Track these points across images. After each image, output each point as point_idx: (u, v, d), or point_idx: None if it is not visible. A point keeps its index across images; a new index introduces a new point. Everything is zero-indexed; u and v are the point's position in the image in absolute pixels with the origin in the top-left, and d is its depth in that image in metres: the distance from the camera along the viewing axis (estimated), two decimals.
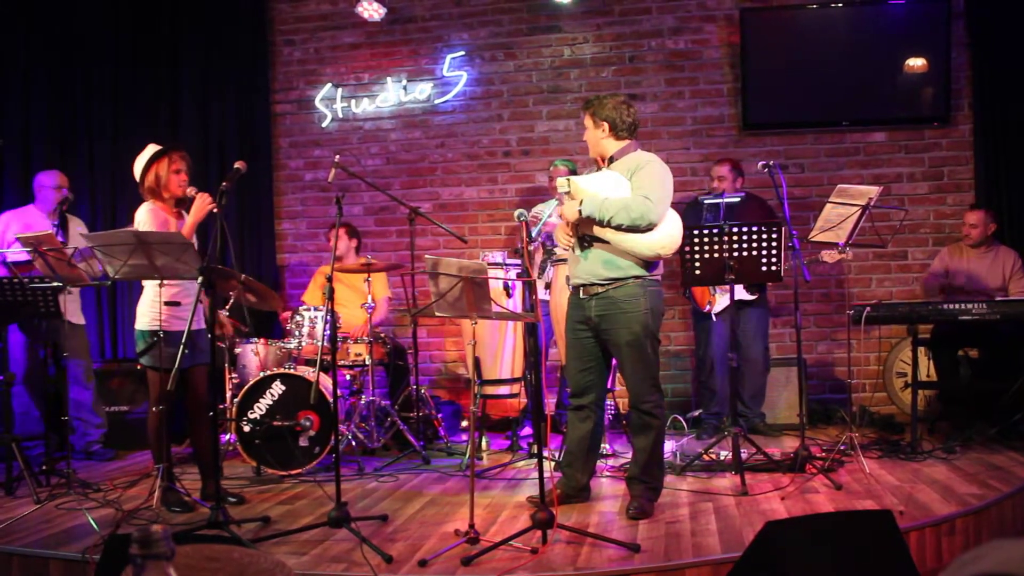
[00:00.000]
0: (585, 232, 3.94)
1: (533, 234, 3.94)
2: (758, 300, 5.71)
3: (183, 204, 4.29)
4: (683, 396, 6.54)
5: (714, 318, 5.71)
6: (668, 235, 3.90)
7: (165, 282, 4.00)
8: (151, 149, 4.29)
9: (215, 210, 4.10)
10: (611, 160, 4.05)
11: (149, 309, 4.18)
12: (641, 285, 3.90)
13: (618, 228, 3.81)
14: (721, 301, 5.68)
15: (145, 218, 4.18)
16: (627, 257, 3.89)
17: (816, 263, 4.83)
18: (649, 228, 3.82)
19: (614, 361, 4.16)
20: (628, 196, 3.84)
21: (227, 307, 5.06)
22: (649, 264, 3.93)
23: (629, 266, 3.89)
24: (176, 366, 3.69)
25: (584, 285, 3.99)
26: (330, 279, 3.75)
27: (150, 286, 4.19)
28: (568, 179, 3.91)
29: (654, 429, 3.97)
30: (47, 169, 5.79)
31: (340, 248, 5.95)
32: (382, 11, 6.53)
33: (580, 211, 3.84)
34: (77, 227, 5.61)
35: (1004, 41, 6.18)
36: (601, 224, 3.83)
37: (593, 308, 3.95)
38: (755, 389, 5.79)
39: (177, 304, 4.09)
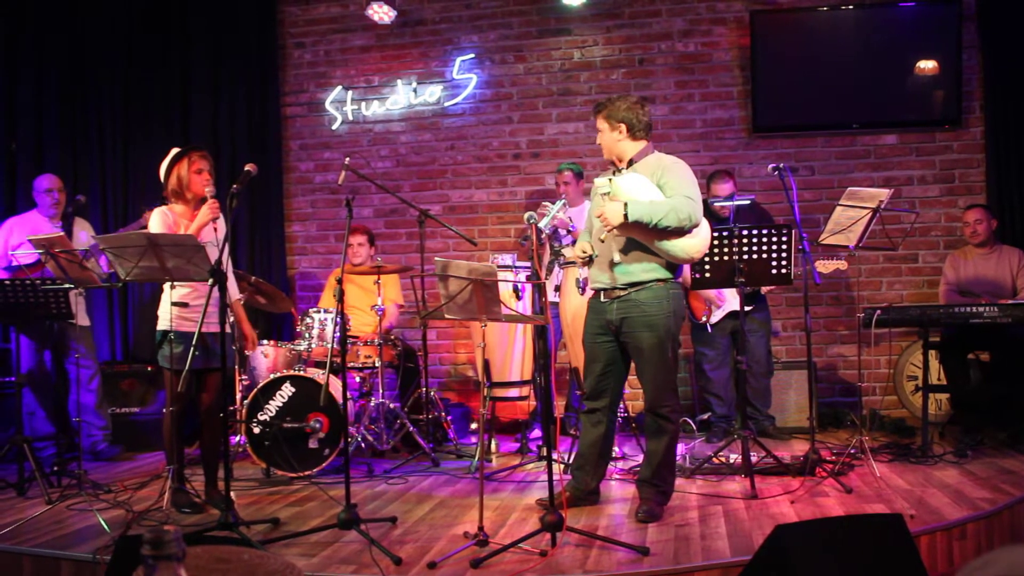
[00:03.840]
0: (629, 237, 3.88)
1: (542, 225, 3.92)
2: (757, 307, 5.70)
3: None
4: (690, 399, 6.52)
5: (709, 329, 5.71)
6: (702, 239, 3.88)
7: (178, 283, 4.02)
8: (173, 152, 4.31)
9: (216, 220, 4.12)
10: (631, 163, 4.01)
11: (161, 311, 4.20)
12: (664, 288, 3.89)
13: (665, 230, 3.75)
14: (717, 314, 5.69)
15: (153, 223, 4.20)
16: (651, 261, 3.87)
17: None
18: (691, 229, 3.79)
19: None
20: (669, 198, 3.78)
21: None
22: (673, 268, 3.91)
23: (653, 270, 3.87)
24: (187, 367, 3.70)
25: (605, 289, 3.98)
26: (340, 281, 3.75)
27: (166, 288, 4.21)
28: (611, 179, 3.83)
29: (668, 434, 3.96)
30: (46, 173, 5.81)
31: (361, 255, 5.96)
32: (392, 14, 6.54)
33: (626, 215, 3.72)
34: (82, 230, 5.63)
35: (1015, 43, 6.16)
36: (648, 227, 3.75)
37: (615, 311, 3.93)
38: (758, 392, 5.78)
39: (185, 305, 4.10)
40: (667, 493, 4.01)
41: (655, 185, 3.85)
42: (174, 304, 4.05)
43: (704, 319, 5.72)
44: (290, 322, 6.53)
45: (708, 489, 4.36)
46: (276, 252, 7.02)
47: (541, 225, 3.89)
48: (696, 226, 3.80)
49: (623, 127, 3.98)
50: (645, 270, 3.88)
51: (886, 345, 6.29)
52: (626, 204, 3.72)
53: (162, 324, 4.18)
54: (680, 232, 3.77)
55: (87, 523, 3.97)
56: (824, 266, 4.98)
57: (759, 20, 6.48)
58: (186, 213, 4.25)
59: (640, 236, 3.83)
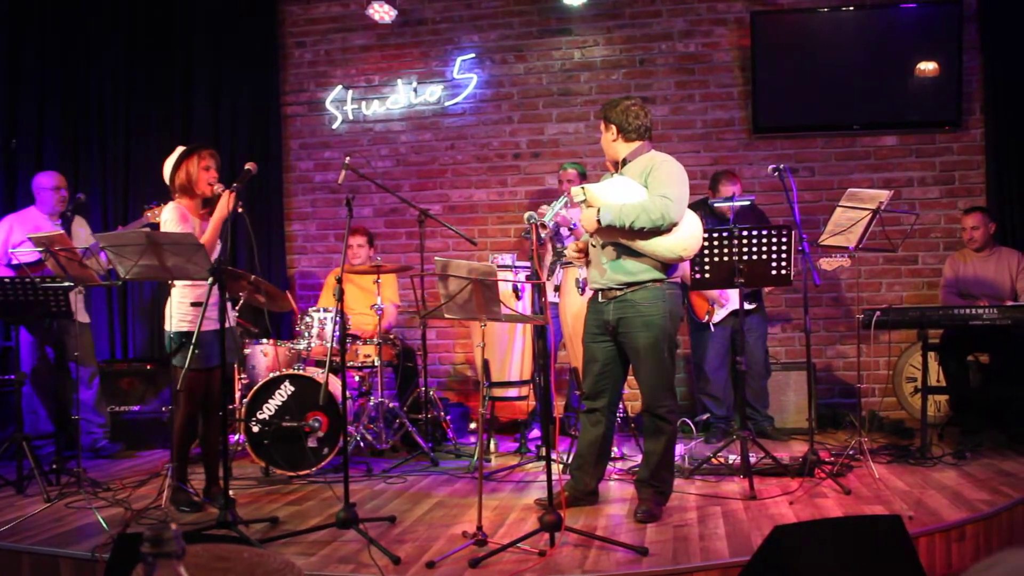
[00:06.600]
0: (606, 241, 3.92)
1: (546, 220, 3.92)
2: (756, 308, 5.71)
3: (211, 204, 4.30)
4: (690, 400, 6.52)
5: (712, 328, 5.71)
6: (689, 236, 3.88)
7: (192, 283, 4.06)
8: (179, 150, 4.32)
9: (240, 210, 4.12)
10: (624, 163, 4.04)
11: (176, 311, 4.19)
12: (660, 289, 3.89)
13: (640, 231, 3.78)
14: (720, 313, 5.69)
15: (168, 216, 4.21)
16: (643, 261, 3.87)
17: (816, 269, 4.82)
18: (671, 228, 3.80)
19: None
20: (645, 198, 3.81)
21: (236, 307, 5.06)
22: (667, 267, 3.92)
23: (645, 270, 3.88)
24: (186, 367, 3.70)
25: (603, 289, 3.99)
26: (339, 280, 3.75)
27: (177, 288, 4.21)
28: (583, 188, 3.88)
29: (666, 434, 3.96)
30: (48, 170, 5.80)
31: (360, 256, 5.96)
32: (393, 13, 6.54)
33: (599, 220, 3.80)
34: (80, 228, 5.63)
35: (1016, 45, 6.16)
36: (623, 230, 3.81)
37: (611, 311, 3.94)
38: (756, 392, 5.79)
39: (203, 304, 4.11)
40: (666, 493, 4.01)
41: (643, 184, 3.87)
42: (194, 305, 4.06)
43: (707, 318, 5.72)
44: (289, 321, 6.53)
45: (707, 490, 4.36)
46: (276, 251, 7.02)
47: (545, 220, 3.89)
48: (674, 224, 3.81)
49: (614, 128, 4.04)
50: (639, 270, 3.89)
51: (885, 346, 6.29)
52: (599, 209, 3.78)
53: (179, 326, 4.15)
54: (656, 231, 3.78)
55: (86, 521, 3.97)
56: (828, 263, 4.98)
57: (759, 21, 6.48)
58: (193, 209, 4.26)
59: (621, 238, 3.85)
